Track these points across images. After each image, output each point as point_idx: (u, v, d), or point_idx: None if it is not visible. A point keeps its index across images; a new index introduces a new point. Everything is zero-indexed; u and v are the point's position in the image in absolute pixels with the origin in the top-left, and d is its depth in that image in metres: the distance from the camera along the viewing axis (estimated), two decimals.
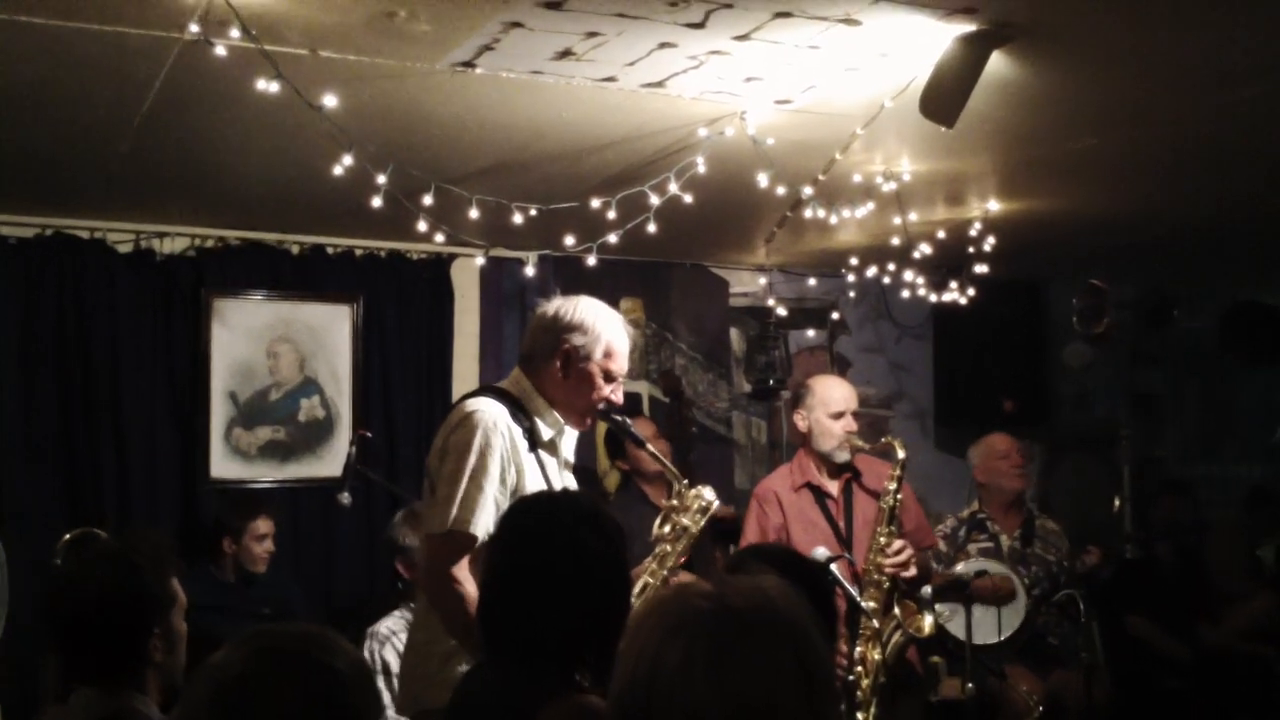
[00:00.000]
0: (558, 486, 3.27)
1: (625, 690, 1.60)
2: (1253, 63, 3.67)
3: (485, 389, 3.43)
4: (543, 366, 3.31)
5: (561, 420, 3.33)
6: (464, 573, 3.07)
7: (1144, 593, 6.09)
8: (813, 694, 1.56)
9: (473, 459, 3.11)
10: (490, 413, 3.18)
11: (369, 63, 3.47)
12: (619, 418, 3.43)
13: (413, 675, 3.21)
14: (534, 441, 3.24)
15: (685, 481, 3.51)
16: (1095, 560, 5.51)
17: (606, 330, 3.31)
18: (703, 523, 3.46)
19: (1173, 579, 6.18)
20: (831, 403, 4.60)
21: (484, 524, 3.08)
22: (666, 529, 3.44)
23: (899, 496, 4.43)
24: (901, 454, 4.46)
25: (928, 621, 4.21)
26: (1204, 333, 7.72)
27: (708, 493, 3.49)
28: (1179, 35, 3.45)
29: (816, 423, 4.62)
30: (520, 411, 3.25)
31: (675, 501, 3.47)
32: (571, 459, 3.44)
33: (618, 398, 3.38)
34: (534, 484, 3.19)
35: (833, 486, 4.64)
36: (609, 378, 3.32)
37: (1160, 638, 5.95)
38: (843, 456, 4.60)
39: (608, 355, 3.30)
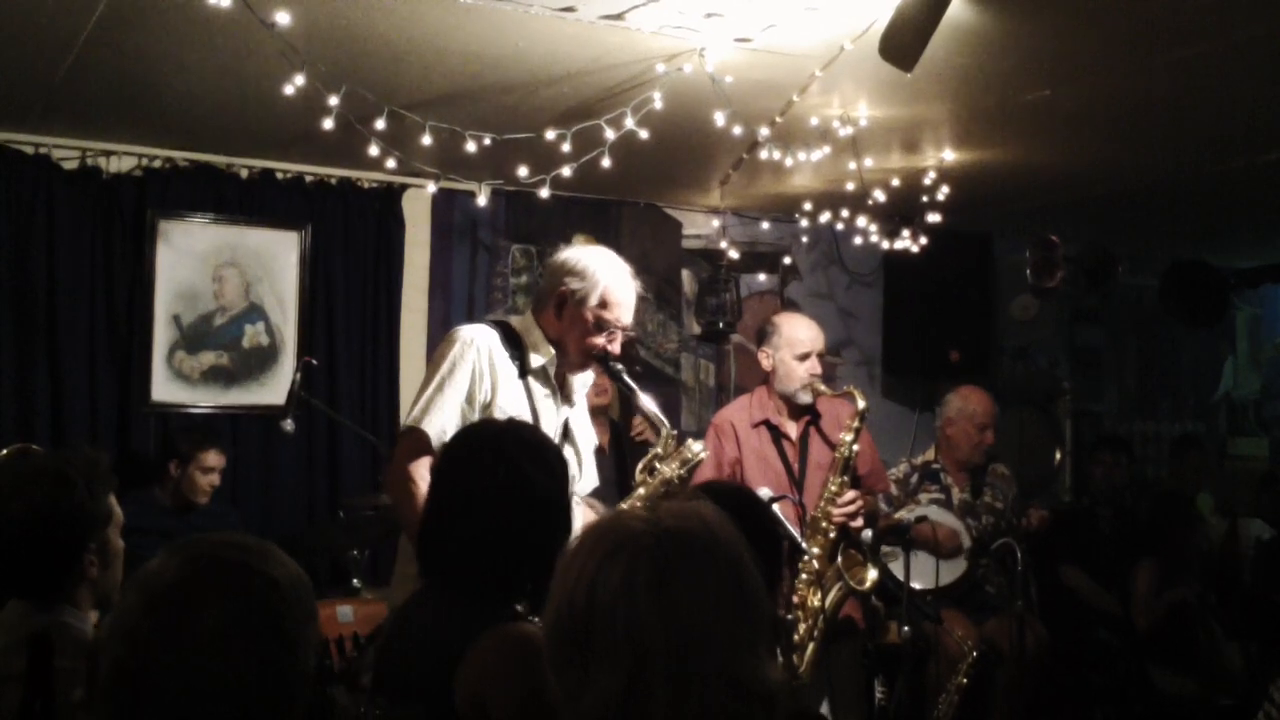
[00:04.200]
0: (542, 415, 3.39)
1: (563, 613, 1.60)
2: (1205, 20, 3.69)
3: (488, 319, 3.65)
4: (544, 305, 3.48)
5: (554, 354, 3.44)
6: (420, 471, 3.19)
7: (1079, 544, 6.18)
8: (748, 617, 1.57)
9: (444, 366, 3.30)
10: (470, 331, 3.38)
11: None
12: (615, 366, 3.50)
13: (396, 577, 3.41)
14: (523, 370, 3.39)
15: (674, 432, 3.58)
16: (1039, 520, 5.58)
17: (605, 279, 3.41)
18: (683, 473, 3.51)
19: (1108, 534, 6.28)
20: (797, 344, 4.57)
21: (439, 424, 3.24)
22: (651, 476, 3.49)
23: (855, 447, 4.44)
24: (862, 403, 4.46)
25: (870, 575, 4.24)
26: (1145, 291, 7.81)
27: (696, 446, 3.55)
28: None
29: (781, 363, 4.59)
30: (513, 339, 3.41)
31: (660, 449, 3.53)
32: (577, 401, 3.56)
33: (615, 348, 3.47)
34: (511, 405, 3.32)
35: (791, 428, 4.63)
36: (601, 325, 3.41)
37: (1092, 590, 6.06)
38: (805, 398, 4.58)
39: (603, 304, 3.41)
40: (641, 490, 3.47)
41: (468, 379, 3.29)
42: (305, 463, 5.85)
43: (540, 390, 3.43)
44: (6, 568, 2.45)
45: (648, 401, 3.62)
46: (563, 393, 3.51)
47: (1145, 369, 8.46)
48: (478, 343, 3.33)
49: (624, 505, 3.42)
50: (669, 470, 3.48)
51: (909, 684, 4.75)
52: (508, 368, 3.36)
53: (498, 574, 2.37)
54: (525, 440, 2.54)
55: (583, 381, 3.57)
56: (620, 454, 5.72)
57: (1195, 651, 5.62)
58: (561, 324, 3.44)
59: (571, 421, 3.54)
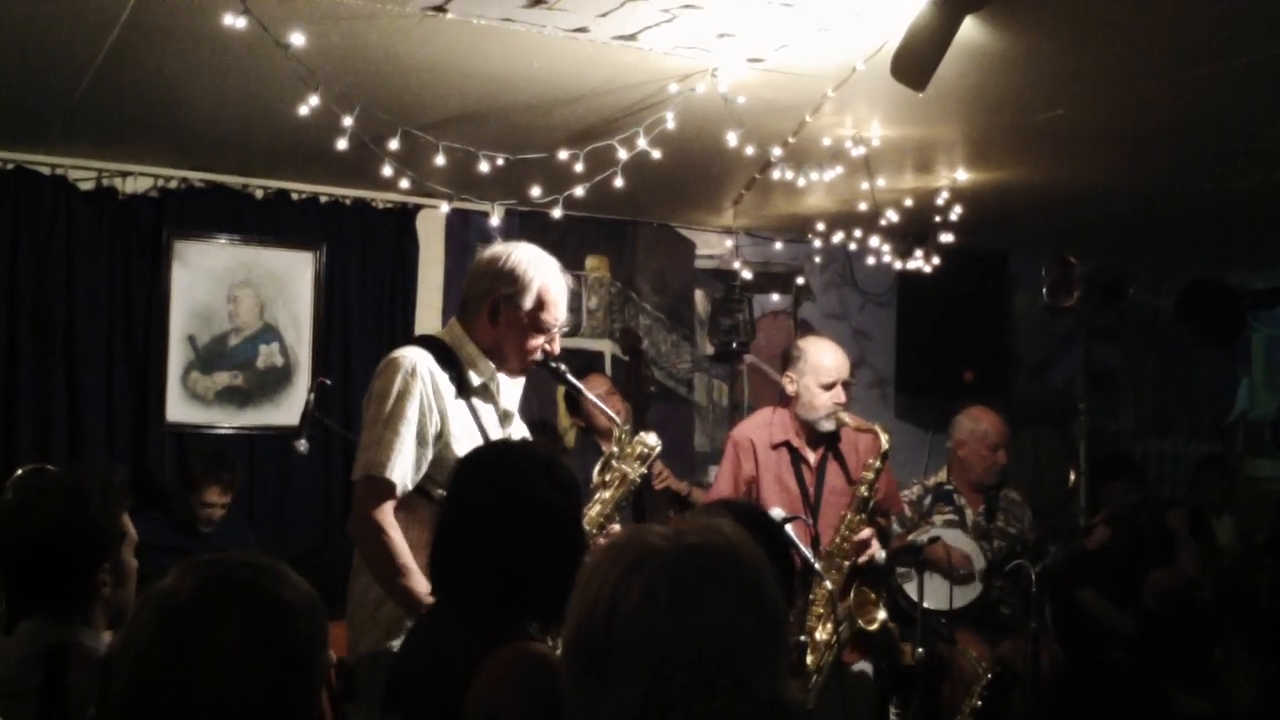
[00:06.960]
0: (492, 434, 3.23)
1: (583, 625, 1.60)
2: (1218, 39, 3.69)
3: (417, 338, 3.41)
4: (475, 313, 3.28)
5: (493, 367, 3.27)
6: (386, 518, 3.04)
7: (1093, 566, 6.15)
8: (768, 634, 1.57)
9: (390, 404, 3.08)
10: (410, 358, 3.14)
11: (339, 1, 3.43)
12: (556, 365, 3.35)
13: (351, 621, 3.20)
14: (463, 388, 3.20)
15: (627, 428, 3.47)
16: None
17: (538, 279, 3.24)
18: (642, 469, 3.43)
19: (1121, 556, 6.25)
20: (823, 372, 4.51)
21: (400, 468, 3.07)
22: (607, 476, 3.41)
23: (875, 487, 4.42)
24: (885, 443, 4.43)
25: (880, 615, 4.22)
26: (1162, 309, 7.78)
27: (650, 438, 3.46)
28: (1148, 7, 3.46)
29: (805, 389, 4.54)
30: (448, 358, 3.21)
31: (615, 448, 3.44)
32: (513, 410, 3.38)
33: (554, 348, 3.32)
34: (462, 430, 3.16)
35: (810, 453, 4.60)
36: (540, 327, 3.26)
37: (1106, 611, 6.03)
38: (827, 426, 4.54)
39: (539, 305, 3.24)
40: (607, 494, 3.38)
41: (417, 413, 3.08)
42: (320, 482, 5.86)
43: (484, 410, 3.24)
44: (22, 583, 2.46)
45: (596, 399, 3.60)
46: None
47: (1161, 388, 8.42)
48: (420, 371, 3.10)
49: (590, 512, 3.31)
50: (631, 470, 3.39)
51: (923, 705, 4.72)
52: (450, 391, 3.16)
53: (510, 593, 2.36)
54: (538, 460, 2.53)
55: (512, 394, 3.37)
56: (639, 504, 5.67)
57: (1212, 672, 5.59)
58: (497, 331, 3.23)
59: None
